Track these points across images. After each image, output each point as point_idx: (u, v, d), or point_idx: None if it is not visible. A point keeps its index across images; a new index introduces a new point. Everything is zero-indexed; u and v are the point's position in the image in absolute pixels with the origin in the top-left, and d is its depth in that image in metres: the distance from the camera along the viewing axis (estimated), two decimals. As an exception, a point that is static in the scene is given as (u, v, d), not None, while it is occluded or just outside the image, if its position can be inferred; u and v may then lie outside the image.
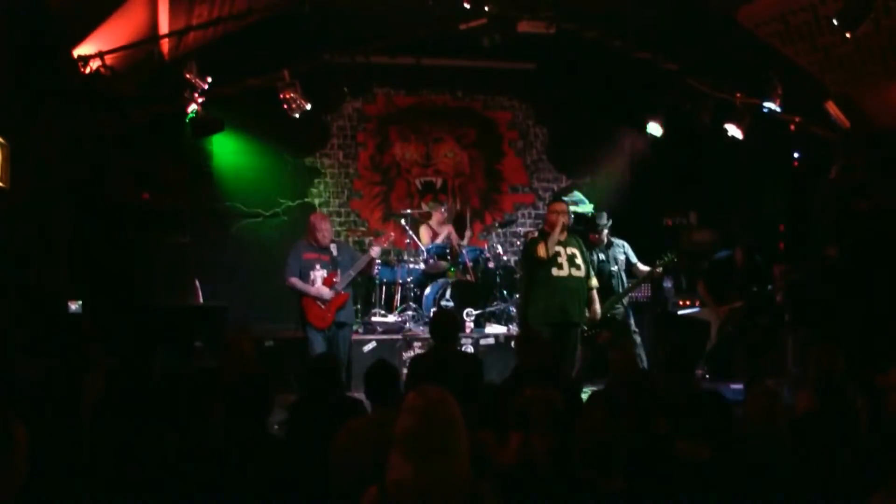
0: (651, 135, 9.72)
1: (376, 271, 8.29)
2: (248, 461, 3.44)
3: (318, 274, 7.25)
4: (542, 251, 6.89)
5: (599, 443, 2.91)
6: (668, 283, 9.35)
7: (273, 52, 8.06)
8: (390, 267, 9.40)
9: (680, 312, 8.96)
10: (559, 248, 6.92)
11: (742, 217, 8.56)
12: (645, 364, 7.50)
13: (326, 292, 7.18)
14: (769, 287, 8.02)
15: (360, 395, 7.06)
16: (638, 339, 7.85)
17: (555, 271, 6.87)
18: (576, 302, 6.93)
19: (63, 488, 3.26)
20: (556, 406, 3.48)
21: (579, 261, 6.97)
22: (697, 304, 8.86)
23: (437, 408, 2.60)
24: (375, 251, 7.51)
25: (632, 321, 7.93)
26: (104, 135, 7.00)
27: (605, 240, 7.95)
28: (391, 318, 8.95)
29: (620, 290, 7.82)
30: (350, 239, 10.13)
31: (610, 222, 8.01)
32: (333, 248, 7.37)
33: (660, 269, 7.86)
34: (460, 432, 2.60)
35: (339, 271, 7.27)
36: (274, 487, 3.35)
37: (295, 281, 7.24)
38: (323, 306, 7.20)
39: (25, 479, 2.54)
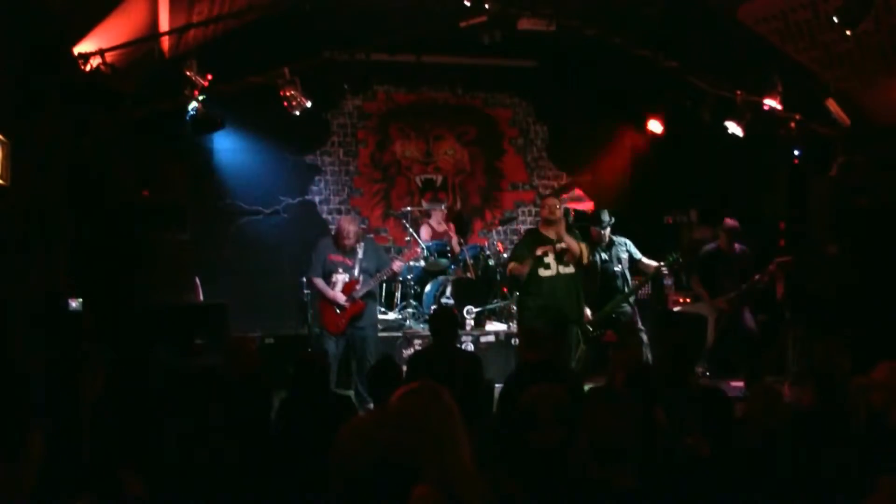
0: (651, 132, 9.74)
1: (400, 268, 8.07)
2: (247, 460, 3.45)
3: (340, 278, 7.25)
4: (513, 265, 7.04)
5: (612, 440, 2.90)
6: (668, 281, 9.36)
7: (273, 50, 8.06)
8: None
9: (675, 309, 8.95)
10: (547, 248, 6.92)
11: (742, 215, 8.54)
12: (650, 362, 7.49)
13: (342, 299, 7.17)
14: (757, 276, 8.02)
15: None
16: (644, 337, 7.85)
17: (542, 271, 6.86)
18: (569, 299, 6.90)
19: (63, 487, 3.27)
20: (562, 403, 3.48)
21: (568, 257, 6.94)
22: (689, 300, 8.84)
23: (441, 400, 2.57)
24: (398, 266, 7.51)
25: (638, 319, 7.93)
26: (104, 132, 7.00)
27: (607, 238, 7.94)
28: (391, 316, 8.95)
29: (625, 289, 7.81)
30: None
31: (612, 220, 8.00)
32: (360, 249, 7.33)
33: (665, 269, 7.85)
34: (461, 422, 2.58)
35: (361, 278, 7.25)
36: (273, 486, 3.35)
37: (317, 281, 7.25)
38: (339, 311, 7.20)
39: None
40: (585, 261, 7.11)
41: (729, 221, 8.24)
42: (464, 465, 2.47)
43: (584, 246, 7.11)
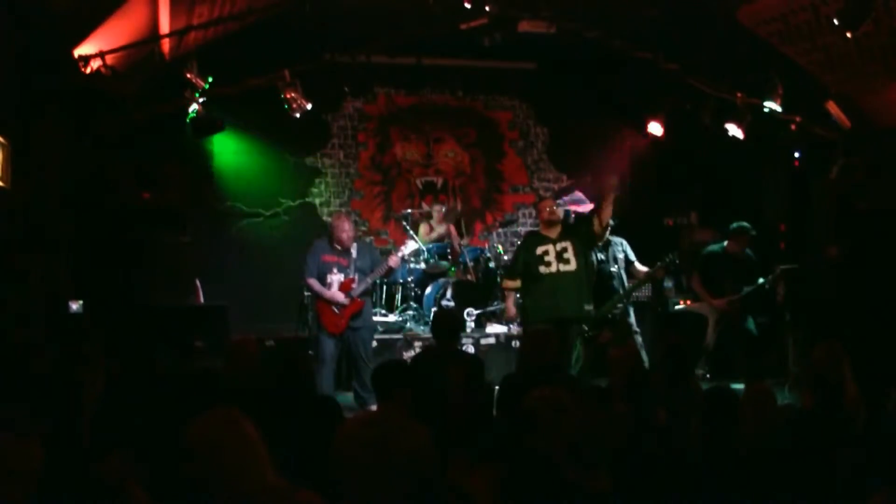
0: (652, 134, 9.72)
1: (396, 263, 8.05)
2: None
3: (336, 278, 7.24)
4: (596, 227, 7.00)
5: (583, 441, 2.89)
6: (668, 283, 9.35)
7: (274, 52, 8.06)
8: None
9: (676, 308, 8.93)
10: (547, 246, 6.93)
11: (743, 217, 8.54)
12: (646, 363, 7.48)
13: (341, 298, 7.17)
14: (761, 281, 8.01)
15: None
16: (639, 338, 7.84)
17: (542, 269, 6.86)
18: (570, 297, 6.89)
19: (63, 489, 3.27)
20: (564, 406, 3.47)
21: (569, 255, 6.94)
22: (689, 303, 8.82)
23: (236, 428, 2.57)
24: (395, 261, 7.50)
25: (633, 320, 7.91)
26: (105, 134, 7.00)
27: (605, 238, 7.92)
28: (392, 318, 8.95)
29: (621, 289, 7.80)
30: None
31: (615, 222, 7.98)
32: (354, 249, 7.34)
33: (661, 271, 7.84)
34: (257, 446, 2.58)
35: (356, 277, 7.25)
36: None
37: (312, 282, 7.25)
38: (337, 311, 7.19)
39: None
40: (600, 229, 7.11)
41: (745, 227, 8.17)
42: (267, 484, 2.49)
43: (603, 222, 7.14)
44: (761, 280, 8.03)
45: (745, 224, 8.14)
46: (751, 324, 8.12)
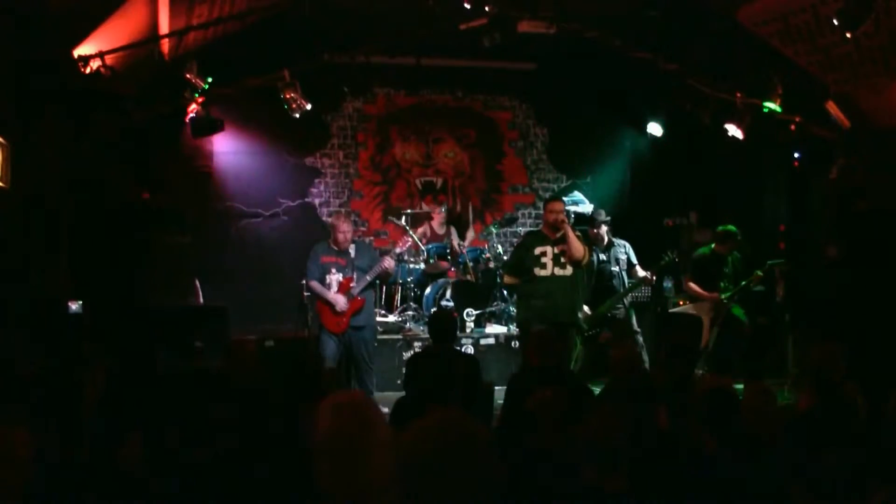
0: (651, 135, 9.73)
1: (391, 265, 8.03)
2: (250, 463, 3.44)
3: (334, 278, 7.23)
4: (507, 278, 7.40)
5: (603, 442, 2.89)
6: (668, 284, 9.34)
7: (273, 52, 8.07)
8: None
9: (672, 311, 8.92)
10: (546, 248, 6.90)
11: (742, 217, 8.53)
12: (647, 364, 7.48)
13: (342, 300, 7.15)
14: (749, 279, 8.01)
15: (381, 395, 7.15)
16: (640, 338, 7.83)
17: (537, 271, 6.83)
18: (565, 300, 6.86)
19: (63, 489, 3.26)
20: (564, 406, 3.47)
21: (566, 259, 6.92)
22: (683, 303, 8.79)
23: (354, 410, 2.44)
24: (389, 263, 7.49)
25: (634, 321, 7.90)
26: (104, 135, 7.01)
27: (606, 238, 7.92)
28: (391, 318, 8.94)
29: (621, 290, 7.80)
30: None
31: (608, 219, 7.97)
32: (352, 249, 7.34)
33: (653, 277, 7.83)
34: (382, 434, 2.42)
35: (354, 276, 7.25)
36: (275, 489, 3.34)
37: (314, 285, 7.24)
38: (337, 311, 7.19)
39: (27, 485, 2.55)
40: (585, 261, 7.08)
41: (730, 231, 8.14)
42: (373, 483, 2.30)
43: (587, 249, 7.09)
44: (750, 278, 7.98)
45: (730, 228, 8.08)
46: (740, 313, 8.05)
